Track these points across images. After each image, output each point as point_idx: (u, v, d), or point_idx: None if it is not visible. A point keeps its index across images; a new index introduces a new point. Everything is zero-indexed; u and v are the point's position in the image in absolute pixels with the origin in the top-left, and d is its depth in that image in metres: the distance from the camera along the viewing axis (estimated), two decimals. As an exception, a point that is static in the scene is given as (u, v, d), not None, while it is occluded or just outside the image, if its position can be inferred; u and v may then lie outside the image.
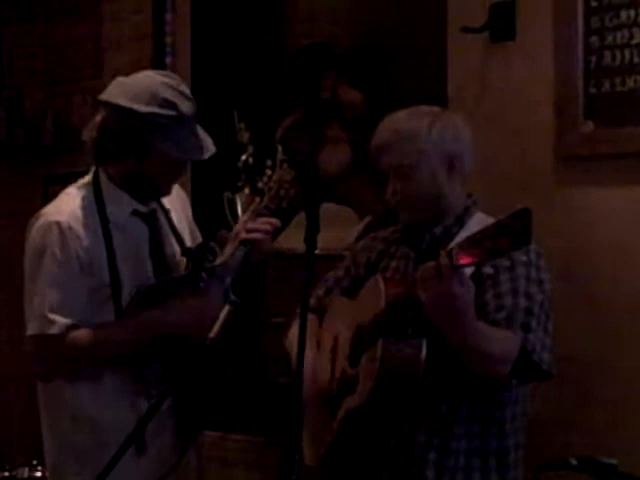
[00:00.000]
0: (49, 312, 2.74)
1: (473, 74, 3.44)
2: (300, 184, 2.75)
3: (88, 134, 2.83)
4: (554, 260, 2.64)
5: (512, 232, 2.15)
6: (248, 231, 2.79)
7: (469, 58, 3.45)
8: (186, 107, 2.77)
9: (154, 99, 2.74)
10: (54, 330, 2.74)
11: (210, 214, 3.13)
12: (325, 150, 4.10)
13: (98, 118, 2.81)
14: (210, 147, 2.85)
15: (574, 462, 2.74)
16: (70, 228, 2.77)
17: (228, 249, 2.86)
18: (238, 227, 2.88)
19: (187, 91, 2.81)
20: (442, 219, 2.65)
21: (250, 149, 4.11)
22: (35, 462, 4.08)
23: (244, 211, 4.08)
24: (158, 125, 2.73)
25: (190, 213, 3.08)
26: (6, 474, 4.12)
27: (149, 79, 2.83)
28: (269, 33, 4.60)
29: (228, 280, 2.69)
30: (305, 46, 4.41)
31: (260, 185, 2.79)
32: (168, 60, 4.38)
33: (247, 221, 2.85)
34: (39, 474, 4.08)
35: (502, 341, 2.45)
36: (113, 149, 2.79)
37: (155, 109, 2.73)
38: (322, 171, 4.05)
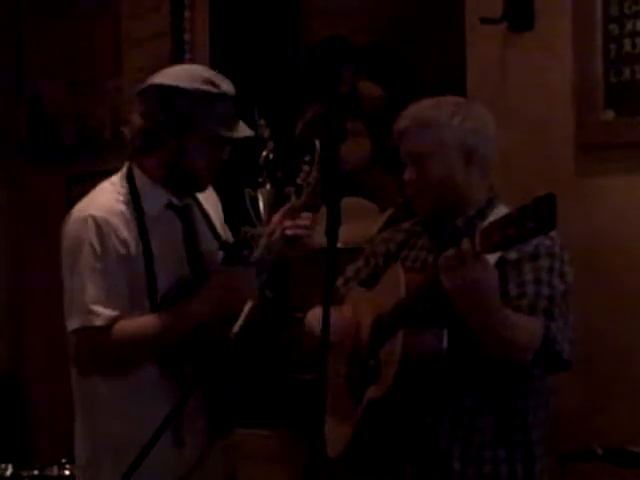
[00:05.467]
0: (92, 304, 2.72)
1: (492, 65, 3.43)
2: (321, 177, 2.75)
3: (128, 129, 2.83)
4: (575, 249, 2.63)
5: (537, 216, 2.12)
6: (288, 228, 2.77)
7: (488, 49, 3.45)
8: (227, 86, 2.79)
9: (195, 78, 2.77)
10: (99, 322, 2.72)
11: (232, 211, 3.13)
12: (345, 144, 4.10)
13: (136, 113, 2.81)
14: (248, 130, 2.86)
15: (600, 451, 2.73)
16: (106, 221, 2.76)
17: (263, 244, 2.85)
18: (275, 222, 2.86)
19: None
20: (462, 211, 2.64)
21: (271, 145, 4.11)
22: (64, 460, 4.08)
23: (266, 207, 4.09)
24: (201, 101, 2.74)
25: (222, 216, 3.07)
26: (35, 472, 4.12)
27: (184, 67, 2.94)
28: (287, 28, 4.61)
29: (264, 276, 2.68)
30: (323, 40, 4.40)
31: (299, 181, 2.79)
32: (187, 57, 4.39)
33: (284, 217, 2.84)
34: (68, 472, 4.08)
35: (526, 328, 2.44)
36: (155, 137, 2.78)
37: (198, 85, 2.74)
38: (342, 164, 4.05)
